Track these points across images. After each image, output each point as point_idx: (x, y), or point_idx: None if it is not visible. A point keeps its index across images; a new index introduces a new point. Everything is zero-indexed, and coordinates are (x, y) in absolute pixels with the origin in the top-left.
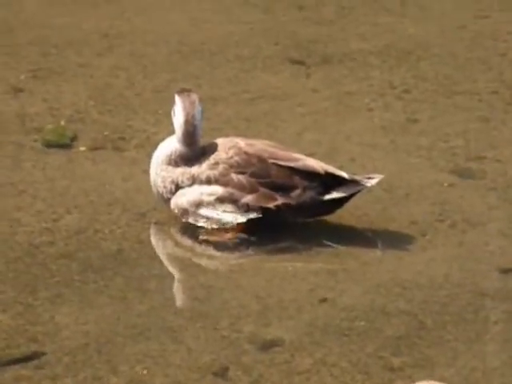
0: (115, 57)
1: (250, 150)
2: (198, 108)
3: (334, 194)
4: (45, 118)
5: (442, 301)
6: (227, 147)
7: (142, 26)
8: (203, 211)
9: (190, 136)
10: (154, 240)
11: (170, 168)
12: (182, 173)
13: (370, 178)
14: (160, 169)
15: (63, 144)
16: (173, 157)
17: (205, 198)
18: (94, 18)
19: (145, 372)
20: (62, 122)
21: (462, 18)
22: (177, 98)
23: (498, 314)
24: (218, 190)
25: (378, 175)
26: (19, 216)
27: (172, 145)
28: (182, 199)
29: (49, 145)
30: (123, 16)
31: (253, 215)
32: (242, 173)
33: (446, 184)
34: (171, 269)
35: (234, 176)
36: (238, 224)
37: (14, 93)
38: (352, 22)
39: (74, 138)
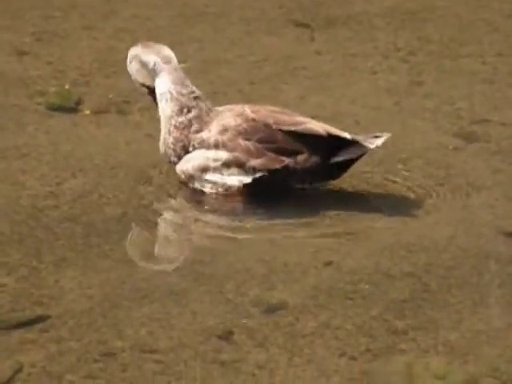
0: (119, 20)
1: (257, 117)
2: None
3: (341, 157)
4: (49, 82)
5: (446, 264)
6: (235, 114)
7: None
8: (209, 176)
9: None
10: (158, 204)
11: (181, 128)
12: (193, 138)
13: (375, 137)
14: (173, 126)
15: (67, 107)
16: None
17: (211, 164)
18: None
19: None
20: (66, 86)
21: None
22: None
23: (503, 277)
24: (224, 154)
25: (384, 134)
26: (23, 179)
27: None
28: (187, 165)
29: (53, 108)
30: None
31: (258, 175)
32: (249, 139)
33: (450, 147)
34: (175, 232)
35: (241, 141)
36: (244, 185)
37: (18, 56)
38: None
39: (78, 102)
